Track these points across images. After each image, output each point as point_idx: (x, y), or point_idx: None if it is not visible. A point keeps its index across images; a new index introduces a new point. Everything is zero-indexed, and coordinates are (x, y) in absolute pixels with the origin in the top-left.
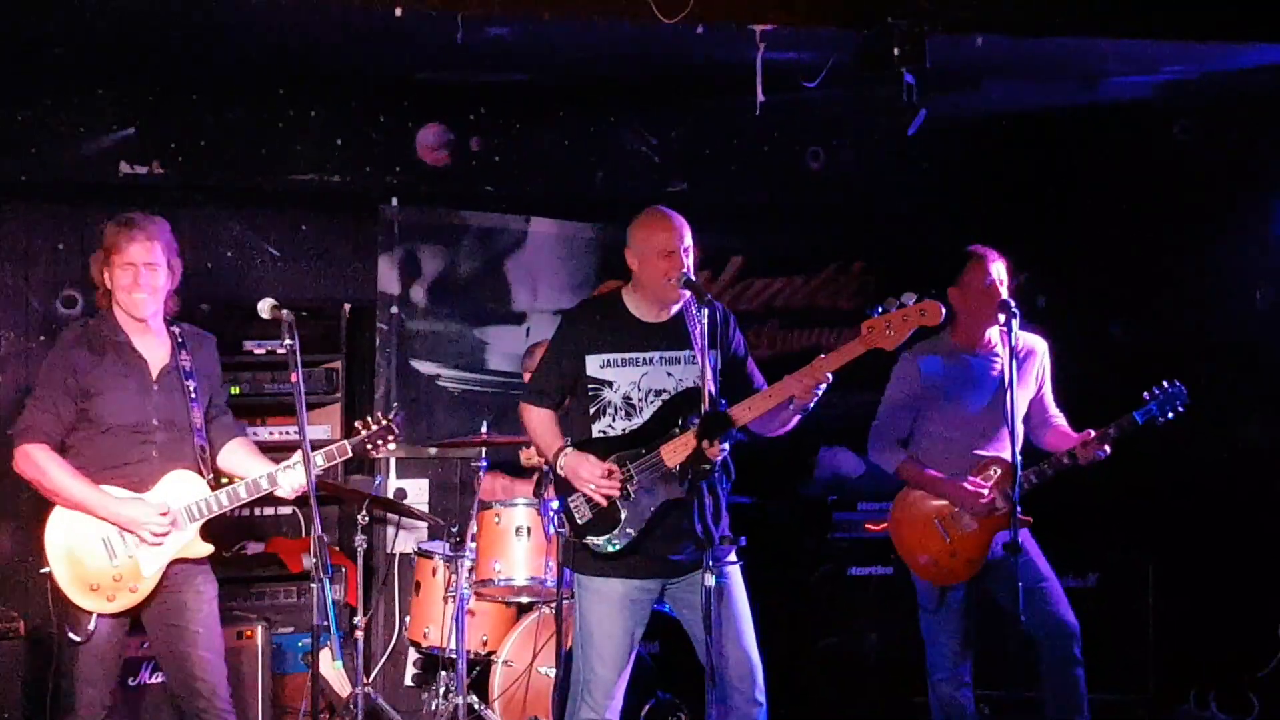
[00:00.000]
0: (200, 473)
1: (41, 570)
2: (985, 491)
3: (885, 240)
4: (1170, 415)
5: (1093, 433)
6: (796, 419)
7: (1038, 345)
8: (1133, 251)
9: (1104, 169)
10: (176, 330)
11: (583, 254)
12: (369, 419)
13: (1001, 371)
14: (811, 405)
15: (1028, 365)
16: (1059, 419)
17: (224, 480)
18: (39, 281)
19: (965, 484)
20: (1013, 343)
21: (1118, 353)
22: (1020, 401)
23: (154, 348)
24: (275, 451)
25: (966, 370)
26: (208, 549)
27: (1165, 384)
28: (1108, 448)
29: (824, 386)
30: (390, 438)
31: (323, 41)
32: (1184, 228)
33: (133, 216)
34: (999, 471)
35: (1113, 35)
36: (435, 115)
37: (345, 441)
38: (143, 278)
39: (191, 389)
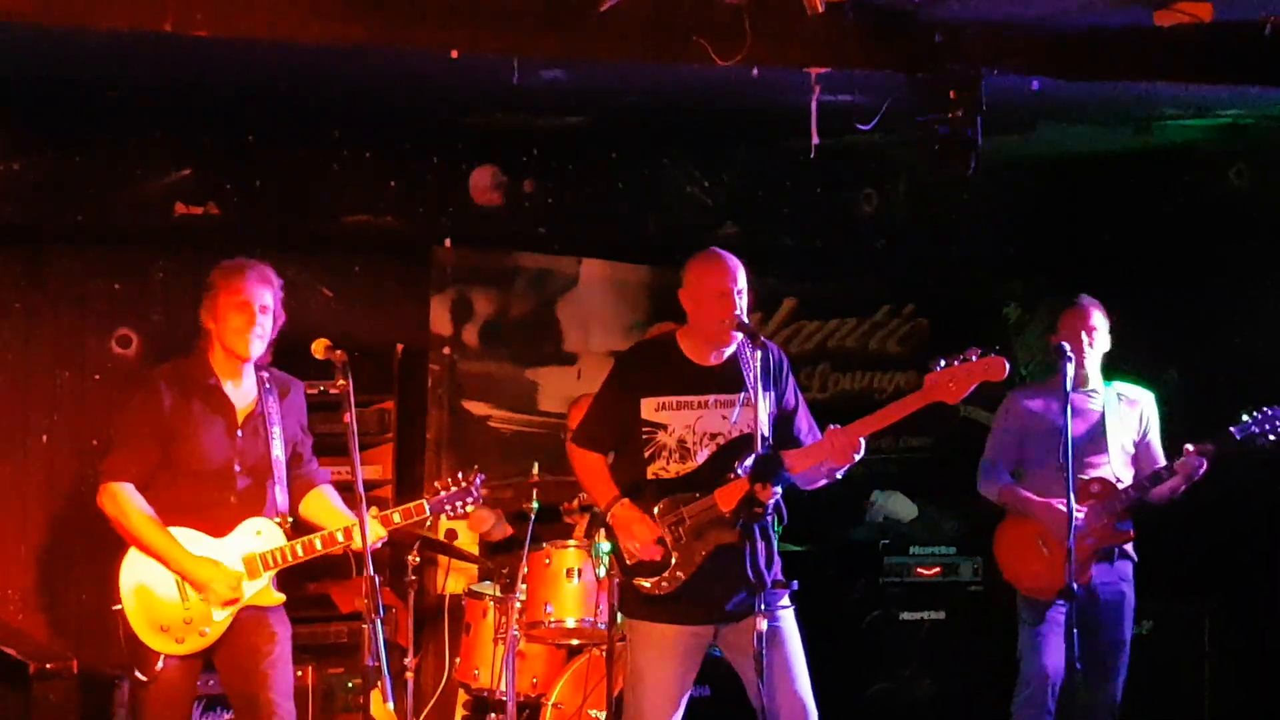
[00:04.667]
0: (278, 521)
1: (113, 607)
2: (1076, 512)
3: (937, 283)
4: (1273, 439)
5: (1191, 447)
6: (841, 472)
7: (1142, 397)
8: (1189, 296)
9: (1159, 213)
10: (265, 375)
11: (635, 296)
12: (449, 479)
13: (1103, 408)
14: (856, 459)
15: (1130, 410)
16: None
17: (291, 520)
18: (94, 322)
19: (1054, 502)
20: (1067, 387)
21: (1174, 398)
22: (1123, 440)
23: (242, 393)
24: None
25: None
26: (280, 598)
27: (1267, 408)
28: (1206, 462)
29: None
30: (470, 499)
31: (378, 84)
32: (1241, 272)
33: (247, 260)
34: (1099, 488)
35: (1169, 79)
36: (489, 157)
37: (424, 501)
38: (257, 319)
39: (275, 435)
